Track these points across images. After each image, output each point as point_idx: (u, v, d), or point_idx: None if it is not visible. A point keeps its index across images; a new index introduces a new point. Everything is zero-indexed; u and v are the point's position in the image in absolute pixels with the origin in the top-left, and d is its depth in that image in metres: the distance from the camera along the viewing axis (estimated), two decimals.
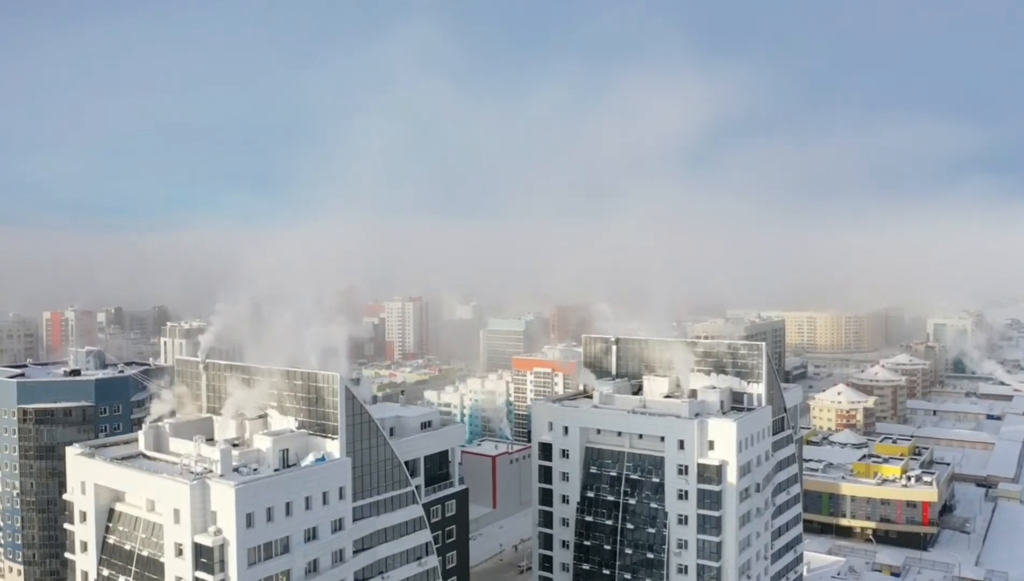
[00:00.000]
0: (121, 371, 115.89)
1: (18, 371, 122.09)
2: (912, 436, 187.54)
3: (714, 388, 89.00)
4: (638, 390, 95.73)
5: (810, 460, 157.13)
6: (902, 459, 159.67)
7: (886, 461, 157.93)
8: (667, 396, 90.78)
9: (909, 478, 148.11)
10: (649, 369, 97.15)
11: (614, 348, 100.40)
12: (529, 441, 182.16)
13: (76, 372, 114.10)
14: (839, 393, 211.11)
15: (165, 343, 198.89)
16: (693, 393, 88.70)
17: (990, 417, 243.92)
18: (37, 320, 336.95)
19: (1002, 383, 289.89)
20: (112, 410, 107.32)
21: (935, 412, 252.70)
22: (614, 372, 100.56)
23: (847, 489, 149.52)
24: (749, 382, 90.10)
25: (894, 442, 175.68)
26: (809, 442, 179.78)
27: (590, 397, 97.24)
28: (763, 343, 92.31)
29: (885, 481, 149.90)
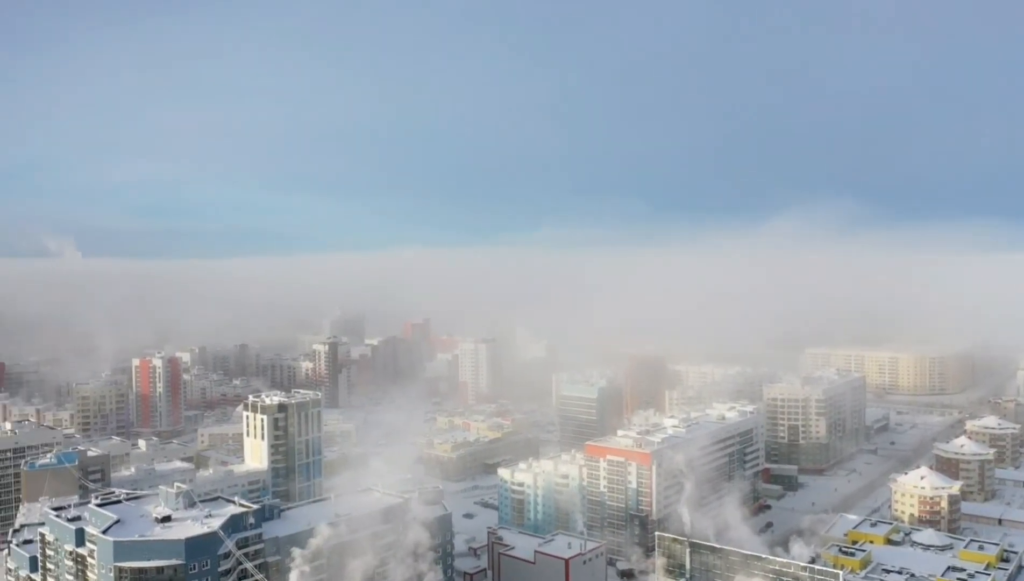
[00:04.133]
0: (208, 515, 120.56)
1: (113, 503, 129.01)
2: (1000, 541, 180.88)
3: None
4: None
5: (891, 572, 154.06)
6: (989, 573, 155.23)
7: (972, 578, 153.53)
8: None
9: None
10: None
11: (688, 553, 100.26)
12: (605, 536, 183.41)
13: (168, 518, 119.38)
14: (922, 477, 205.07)
15: (247, 418, 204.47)
16: None
17: None
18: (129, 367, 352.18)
19: None
20: (201, 566, 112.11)
21: None
22: (688, 576, 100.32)
23: None
24: None
25: (981, 548, 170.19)
26: (889, 541, 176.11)
27: None
28: (839, 573, 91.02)
29: None
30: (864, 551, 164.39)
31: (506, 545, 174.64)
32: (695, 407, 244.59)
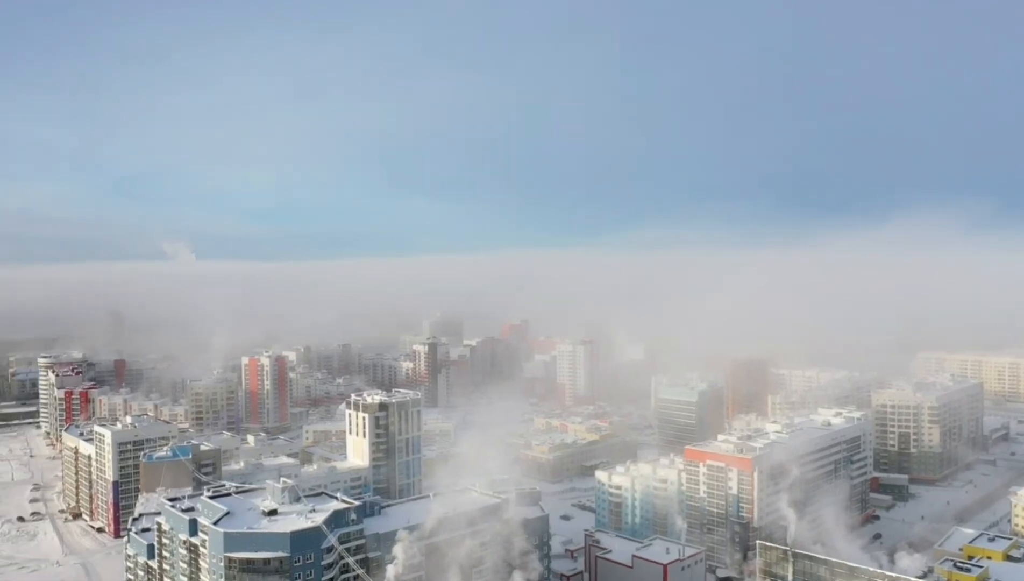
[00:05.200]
0: (312, 510, 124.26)
1: (223, 495, 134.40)
2: None
3: None
4: None
5: None
6: None
7: None
8: None
9: None
10: None
11: (790, 563, 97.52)
12: (703, 542, 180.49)
13: (274, 512, 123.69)
14: None
15: (350, 416, 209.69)
16: None
17: None
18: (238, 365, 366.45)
19: None
20: (305, 559, 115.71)
21: None
22: None
23: None
24: None
25: None
26: (1009, 557, 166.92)
27: None
28: None
29: None
30: (981, 567, 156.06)
31: (603, 548, 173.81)
32: (799, 412, 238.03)
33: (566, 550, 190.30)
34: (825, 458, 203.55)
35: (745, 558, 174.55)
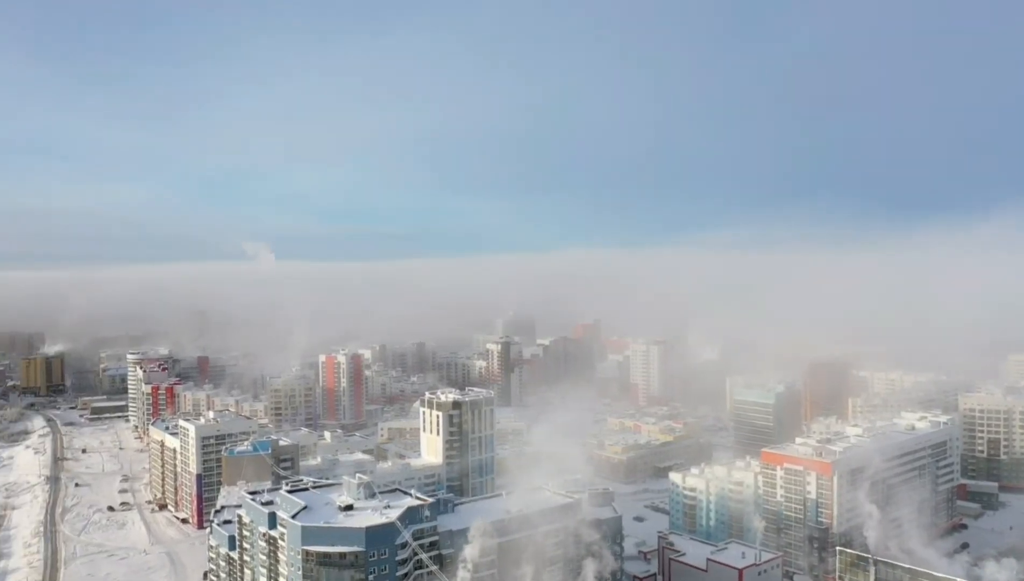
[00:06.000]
0: (387, 506, 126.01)
1: (301, 490, 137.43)
2: None
3: None
4: None
5: None
6: None
7: None
8: None
9: None
10: None
11: (872, 571, 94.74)
12: (780, 548, 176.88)
13: (350, 507, 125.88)
14: None
15: (424, 414, 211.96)
16: None
17: None
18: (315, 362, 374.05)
19: None
20: (379, 554, 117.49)
21: None
22: None
23: None
24: None
25: None
26: None
27: None
28: None
29: None
30: None
31: (677, 551, 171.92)
32: (881, 416, 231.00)
33: (639, 552, 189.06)
34: (909, 463, 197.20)
35: (825, 566, 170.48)
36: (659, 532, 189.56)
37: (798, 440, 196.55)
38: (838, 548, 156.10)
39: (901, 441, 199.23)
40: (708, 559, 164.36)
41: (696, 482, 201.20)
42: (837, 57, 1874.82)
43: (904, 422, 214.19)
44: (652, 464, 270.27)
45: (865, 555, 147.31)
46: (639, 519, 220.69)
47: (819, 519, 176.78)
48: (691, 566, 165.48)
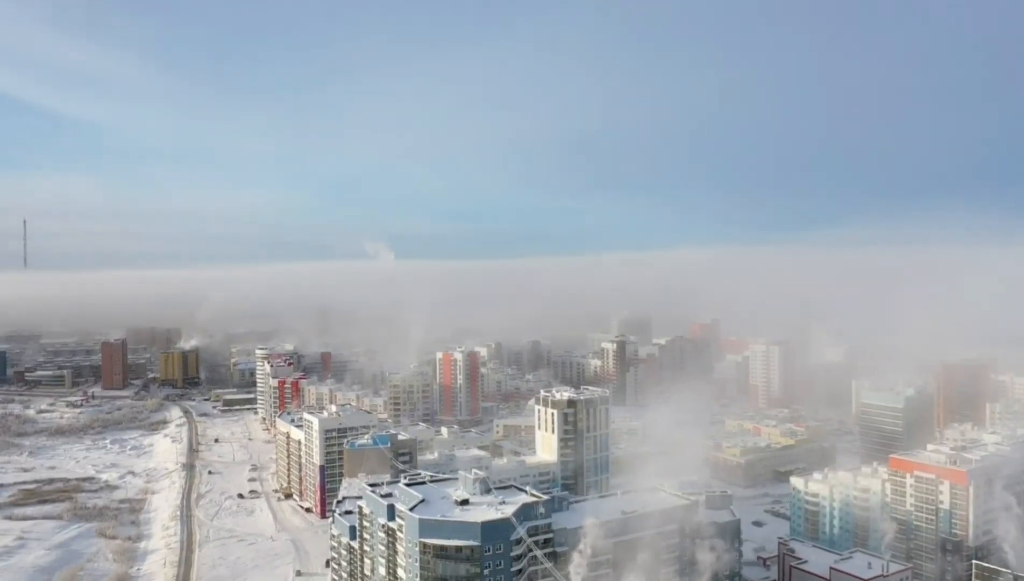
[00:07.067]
0: (502, 502, 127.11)
1: (419, 483, 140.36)
2: None
3: None
4: None
5: None
6: None
7: None
8: None
9: None
10: None
11: None
12: (909, 559, 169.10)
13: (466, 502, 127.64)
14: None
15: (539, 411, 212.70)
16: None
17: None
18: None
19: None
20: (495, 549, 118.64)
21: None
22: None
23: None
24: None
25: None
26: None
27: None
28: None
29: None
30: None
31: (798, 558, 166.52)
32: (1023, 423, 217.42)
33: (758, 557, 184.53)
34: None
35: (955, 577, 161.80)
36: (779, 538, 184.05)
37: (930, 447, 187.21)
38: (974, 562, 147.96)
39: None
40: (831, 568, 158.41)
41: (819, 487, 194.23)
42: (980, 43, 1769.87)
43: None
44: (772, 468, 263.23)
45: (1005, 570, 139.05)
46: (758, 524, 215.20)
47: (953, 530, 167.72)
48: (813, 574, 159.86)
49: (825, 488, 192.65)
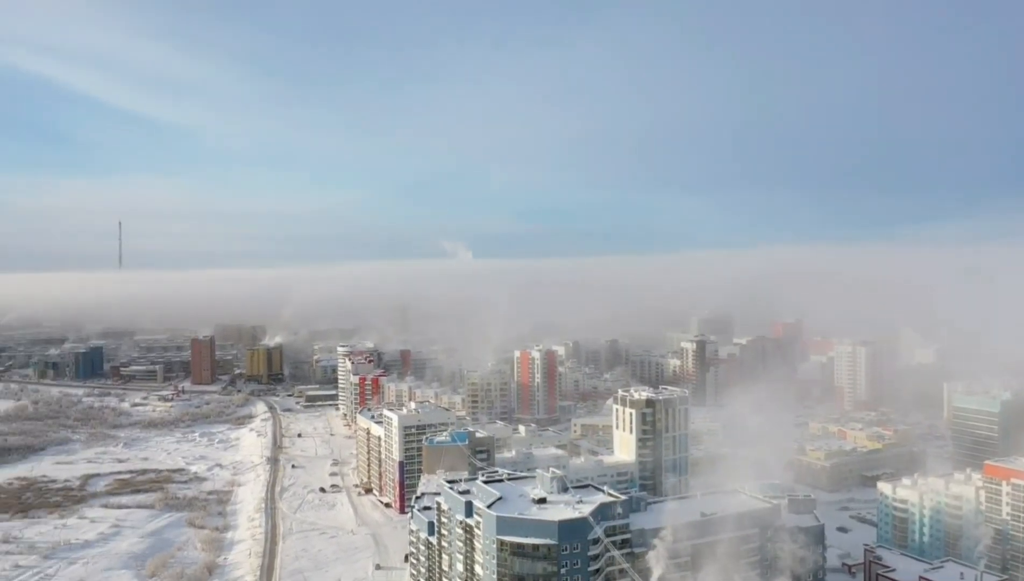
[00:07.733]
0: (580, 501, 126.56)
1: (496, 481, 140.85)
2: None
3: None
4: None
5: None
6: None
7: None
8: None
9: None
10: None
11: None
12: (1005, 570, 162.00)
13: (543, 500, 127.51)
14: None
15: (617, 411, 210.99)
16: None
17: None
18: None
19: None
20: (572, 548, 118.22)
21: None
22: None
23: None
24: None
25: None
26: None
27: None
28: None
29: None
30: None
31: (886, 566, 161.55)
32: None
33: (843, 564, 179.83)
34: None
35: None
36: (865, 545, 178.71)
37: None
38: None
39: None
40: (921, 577, 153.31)
41: (908, 494, 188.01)
42: None
43: None
44: (858, 472, 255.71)
45: None
46: (843, 529, 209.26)
47: None
48: None
49: (915, 494, 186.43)
